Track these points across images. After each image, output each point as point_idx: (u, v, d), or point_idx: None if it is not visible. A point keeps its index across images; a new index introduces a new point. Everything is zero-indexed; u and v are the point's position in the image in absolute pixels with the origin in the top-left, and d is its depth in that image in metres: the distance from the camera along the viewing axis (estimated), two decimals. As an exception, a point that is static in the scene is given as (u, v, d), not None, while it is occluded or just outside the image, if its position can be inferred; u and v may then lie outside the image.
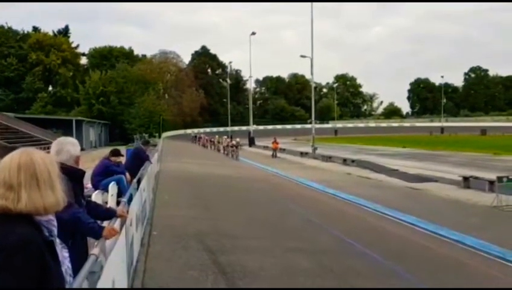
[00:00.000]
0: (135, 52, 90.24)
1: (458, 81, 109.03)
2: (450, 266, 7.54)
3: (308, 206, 12.81)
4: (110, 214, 4.19)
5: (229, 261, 6.83)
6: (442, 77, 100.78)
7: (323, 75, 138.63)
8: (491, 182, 14.15)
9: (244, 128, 72.99)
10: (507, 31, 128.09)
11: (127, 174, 8.97)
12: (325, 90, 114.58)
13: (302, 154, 33.52)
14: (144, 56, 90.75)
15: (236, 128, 79.43)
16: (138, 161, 11.24)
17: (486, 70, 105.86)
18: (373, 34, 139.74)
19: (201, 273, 6.19)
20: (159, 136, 62.22)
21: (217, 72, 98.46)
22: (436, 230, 9.25)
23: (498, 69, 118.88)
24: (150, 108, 73.49)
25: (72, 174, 3.57)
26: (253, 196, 14.74)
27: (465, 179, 16.16)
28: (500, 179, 13.70)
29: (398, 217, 10.82)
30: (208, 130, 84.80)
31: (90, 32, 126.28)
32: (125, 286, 4.67)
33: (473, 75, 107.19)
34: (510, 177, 14.09)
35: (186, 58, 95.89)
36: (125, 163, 10.67)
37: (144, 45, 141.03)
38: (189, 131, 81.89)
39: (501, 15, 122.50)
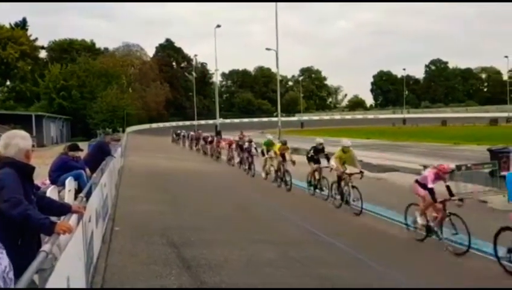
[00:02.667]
0: (97, 45, 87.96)
1: (419, 73, 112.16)
2: (411, 249, 7.71)
3: (275, 199, 12.84)
4: (64, 210, 4.03)
5: (193, 254, 6.76)
6: (404, 69, 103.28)
7: (289, 69, 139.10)
8: (451, 171, 14.56)
9: (210, 122, 72.62)
10: (466, 23, 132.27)
11: (87, 169, 8.72)
12: (290, 83, 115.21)
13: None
14: (107, 49, 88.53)
15: (202, 122, 78.90)
16: (100, 155, 10.95)
17: (446, 63, 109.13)
18: (337, 27, 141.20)
19: (164, 268, 6.09)
20: (123, 131, 61.02)
21: (182, 65, 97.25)
22: (397, 218, 9.43)
23: (457, 61, 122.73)
24: (113, 102, 71.84)
25: (21, 169, 3.40)
26: (219, 190, 14.65)
27: (426, 168, 16.58)
28: (459, 167, 14.13)
29: (361, 207, 10.98)
30: (173, 124, 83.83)
31: (49, 25, 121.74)
32: (83, 283, 4.52)
33: (433, 68, 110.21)
34: (468, 165, 14.58)
35: (150, 52, 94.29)
36: (87, 157, 10.38)
37: (106, 38, 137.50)
38: (154, 125, 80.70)
39: (460, 9, 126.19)
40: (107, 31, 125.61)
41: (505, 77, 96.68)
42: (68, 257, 3.66)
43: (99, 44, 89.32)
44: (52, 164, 8.49)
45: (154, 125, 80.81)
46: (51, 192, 5.34)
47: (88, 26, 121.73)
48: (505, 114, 75.13)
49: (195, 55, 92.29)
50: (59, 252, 3.56)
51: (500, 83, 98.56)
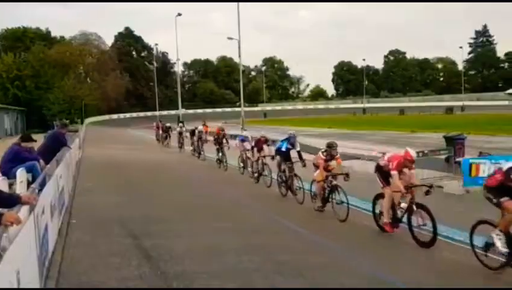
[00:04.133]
0: (53, 34, 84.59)
1: (379, 63, 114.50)
2: (371, 236, 7.85)
3: (239, 188, 12.79)
4: (13, 201, 3.84)
5: (154, 245, 6.63)
6: (363, 60, 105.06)
7: (251, 58, 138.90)
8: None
9: (173, 112, 71.45)
10: (423, 14, 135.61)
11: (41, 160, 8.36)
12: (253, 73, 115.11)
13: (232, 136, 33.45)
14: (63, 38, 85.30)
15: (165, 112, 77.63)
16: (56, 145, 10.54)
17: (404, 53, 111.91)
18: (300, 18, 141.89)
19: (123, 259, 5.95)
20: (82, 122, 59.27)
21: (143, 54, 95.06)
22: (360, 205, 9.57)
23: (415, 52, 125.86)
24: (70, 93, 69.50)
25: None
26: (182, 180, 14.48)
27: (385, 154, 16.99)
28: (416, 153, 14.54)
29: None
30: (134, 114, 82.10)
31: (1, 12, 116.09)
32: (36, 277, 4.34)
33: (392, 58, 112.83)
34: (425, 152, 15.03)
35: (109, 40, 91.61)
36: (41, 148, 9.95)
37: (62, 26, 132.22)
38: (114, 116, 78.77)
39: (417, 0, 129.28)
40: (63, 19, 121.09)
41: (460, 67, 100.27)
42: (18, 250, 3.49)
43: (55, 32, 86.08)
44: (3, 155, 8.09)
45: (114, 116, 78.88)
46: (0, 184, 5.09)
47: (43, 13, 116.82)
48: (460, 103, 78.00)
49: (156, 45, 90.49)
50: (8, 243, 3.38)
51: (455, 73, 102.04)
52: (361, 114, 79.57)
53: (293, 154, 11.31)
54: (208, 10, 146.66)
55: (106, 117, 76.37)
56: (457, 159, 12.60)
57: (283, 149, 11.23)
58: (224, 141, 16.84)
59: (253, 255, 6.40)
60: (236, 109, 67.03)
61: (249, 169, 14.60)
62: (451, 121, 44.34)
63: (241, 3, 38.92)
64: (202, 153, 20.17)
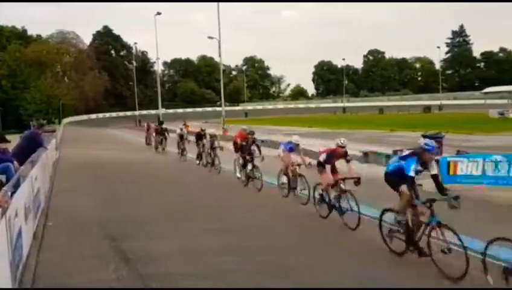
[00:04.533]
0: (29, 32, 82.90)
1: (358, 63, 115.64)
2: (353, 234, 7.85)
3: (220, 188, 12.69)
4: (-17, 204, 3.69)
5: (132, 247, 6.51)
6: (343, 59, 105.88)
7: (232, 58, 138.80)
8: (388, 156, 15.09)
9: (153, 112, 70.84)
10: (401, 14, 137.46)
11: (15, 162, 8.12)
12: (234, 72, 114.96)
13: (212, 136, 33.26)
14: (39, 36, 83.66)
15: (144, 112, 76.93)
16: (31, 146, 10.28)
17: (383, 53, 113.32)
18: (281, 18, 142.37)
19: (101, 262, 5.83)
20: (59, 122, 58.26)
21: (122, 53, 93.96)
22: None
23: (393, 51, 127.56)
24: (47, 92, 68.28)
25: None
26: (163, 181, 14.30)
27: (365, 154, 17.12)
28: (395, 152, 14.70)
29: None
30: (113, 114, 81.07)
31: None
32: (8, 281, 4.19)
33: (371, 58, 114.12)
34: (404, 150, 15.19)
35: (87, 39, 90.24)
36: (16, 149, 9.69)
37: (39, 24, 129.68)
38: (93, 116, 77.66)
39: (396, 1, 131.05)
40: (39, 17, 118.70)
41: (437, 66, 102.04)
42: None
43: (31, 31, 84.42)
44: (-25, 156, 7.83)
45: (93, 116, 77.78)
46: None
47: (19, 12, 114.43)
48: (437, 102, 79.36)
49: (135, 43, 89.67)
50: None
51: (432, 73, 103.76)
52: (342, 113, 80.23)
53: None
54: (188, 10, 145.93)
55: (85, 117, 75.26)
56: (436, 158, 12.74)
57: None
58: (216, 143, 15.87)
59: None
60: (217, 109, 66.87)
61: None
62: (429, 120, 45.05)
63: (221, 3, 38.72)
64: (185, 153, 19.35)
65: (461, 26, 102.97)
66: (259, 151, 12.48)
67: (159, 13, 59.90)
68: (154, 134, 25.01)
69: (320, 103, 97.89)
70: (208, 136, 16.52)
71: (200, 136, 17.37)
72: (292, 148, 10.95)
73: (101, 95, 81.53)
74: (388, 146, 18.84)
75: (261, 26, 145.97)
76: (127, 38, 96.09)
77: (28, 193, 6.92)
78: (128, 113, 78.54)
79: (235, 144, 13.49)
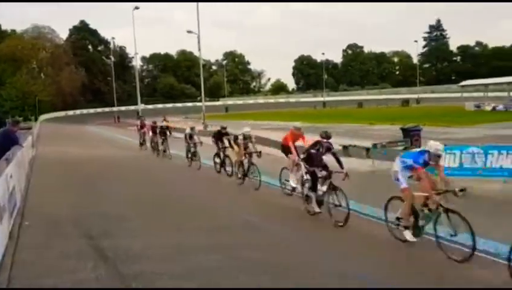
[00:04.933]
0: (3, 27, 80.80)
1: (337, 57, 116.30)
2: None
3: (202, 185, 12.59)
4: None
5: (111, 245, 6.40)
6: (323, 54, 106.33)
7: (212, 52, 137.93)
8: (367, 149, 15.23)
9: (132, 107, 70.07)
10: (379, 8, 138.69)
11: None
12: (214, 67, 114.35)
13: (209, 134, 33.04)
14: (14, 31, 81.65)
15: (123, 108, 75.98)
16: (6, 143, 10.06)
17: (362, 47, 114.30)
18: (260, 12, 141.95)
19: (79, 261, 5.71)
20: (36, 119, 57.10)
21: (99, 48, 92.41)
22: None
23: (372, 46, 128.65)
24: (23, 89, 66.82)
25: None
26: (142, 177, 14.13)
27: (345, 147, 17.26)
28: (374, 145, 14.86)
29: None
30: (91, 110, 79.85)
31: None
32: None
33: (350, 52, 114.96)
34: (383, 143, 15.37)
35: (63, 34, 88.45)
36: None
37: (13, 19, 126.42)
38: (70, 112, 76.37)
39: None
40: (13, 12, 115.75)
41: (415, 60, 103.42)
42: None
43: (5, 26, 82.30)
44: None
45: (70, 112, 76.49)
46: None
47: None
48: (415, 95, 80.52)
49: (113, 38, 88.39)
50: None
51: (410, 66, 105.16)
52: (322, 107, 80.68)
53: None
54: (167, 4, 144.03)
55: (62, 113, 73.95)
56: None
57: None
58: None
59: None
60: (198, 104, 66.50)
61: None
62: (407, 113, 45.65)
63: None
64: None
65: (438, 21, 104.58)
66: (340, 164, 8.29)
67: (137, 8, 59.19)
68: (150, 133, 20.60)
69: (301, 98, 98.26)
70: (239, 138, 11.91)
71: (221, 135, 13.73)
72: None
73: (78, 90, 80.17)
74: (368, 139, 19.04)
75: (241, 21, 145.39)
76: (105, 33, 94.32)
77: (3, 191, 6.73)
78: (107, 109, 77.43)
79: (285, 148, 10.13)
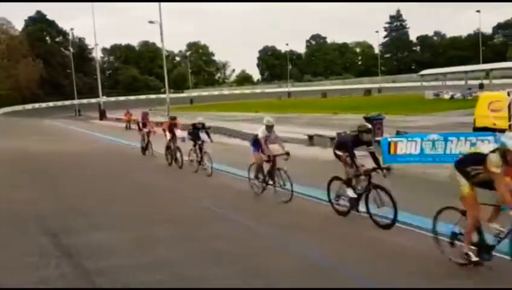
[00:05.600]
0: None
1: (301, 48, 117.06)
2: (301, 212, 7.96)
3: (169, 178, 12.43)
4: None
5: (75, 242, 6.25)
6: (287, 44, 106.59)
7: (175, 44, 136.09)
8: (332, 138, 15.45)
9: (93, 100, 68.20)
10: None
11: None
12: (178, 58, 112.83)
13: (158, 124, 32.61)
14: (-35, 23, 77.82)
15: (84, 101, 73.94)
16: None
17: (325, 38, 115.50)
18: (224, 3, 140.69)
19: (41, 259, 5.55)
20: (-9, 114, 54.80)
21: (57, 40, 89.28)
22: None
23: (334, 36, 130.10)
24: (-23, 82, 63.87)
25: None
26: (107, 172, 13.81)
27: (310, 137, 17.46)
28: (339, 134, 15.08)
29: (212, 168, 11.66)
30: (51, 104, 77.29)
31: None
32: None
33: (313, 43, 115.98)
34: (347, 132, 15.61)
35: (19, 25, 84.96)
36: None
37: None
38: (28, 106, 73.69)
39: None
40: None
41: (376, 51, 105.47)
42: None
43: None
44: None
45: (28, 106, 73.78)
46: None
47: None
48: (377, 85, 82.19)
49: (72, 29, 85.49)
50: None
51: (372, 56, 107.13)
52: (287, 98, 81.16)
53: None
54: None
55: (19, 107, 71.26)
56: (376, 139, 13.17)
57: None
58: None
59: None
60: (162, 96, 65.53)
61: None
62: (370, 102, 46.54)
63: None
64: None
65: (398, 11, 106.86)
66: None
67: (96, -3, 57.40)
68: (168, 135, 13.96)
69: (266, 88, 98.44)
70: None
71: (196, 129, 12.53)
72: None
73: (37, 83, 77.29)
74: (332, 128, 19.30)
75: (204, 12, 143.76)
76: (63, 24, 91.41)
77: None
78: (67, 102, 75.18)
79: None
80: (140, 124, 17.06)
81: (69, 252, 5.82)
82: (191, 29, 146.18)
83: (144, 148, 16.53)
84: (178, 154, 13.49)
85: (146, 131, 16.54)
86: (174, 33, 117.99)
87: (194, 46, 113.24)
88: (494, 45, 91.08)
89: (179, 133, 13.83)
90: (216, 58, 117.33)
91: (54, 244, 6.16)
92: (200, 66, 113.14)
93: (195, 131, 12.56)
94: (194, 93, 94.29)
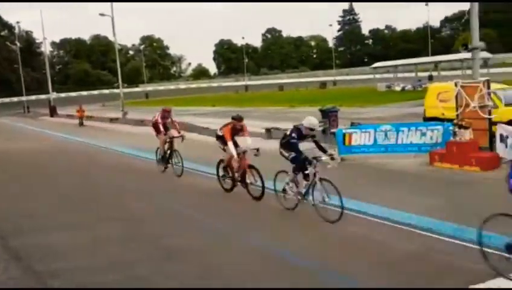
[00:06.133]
0: None
1: (257, 41, 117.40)
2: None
3: (124, 175, 12.10)
4: None
5: (25, 244, 5.98)
6: (243, 38, 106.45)
7: (129, 37, 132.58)
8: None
9: (43, 96, 65.55)
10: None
11: None
12: (131, 52, 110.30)
13: (112, 120, 31.77)
14: None
15: (33, 97, 70.90)
16: None
17: (280, 32, 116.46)
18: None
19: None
20: None
21: (2, 34, 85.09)
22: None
23: (290, 30, 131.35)
24: None
25: None
26: (60, 170, 13.29)
27: (268, 130, 17.52)
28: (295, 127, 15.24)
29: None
30: (-2, 100, 73.73)
31: None
32: None
33: (269, 36, 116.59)
34: (303, 124, 15.82)
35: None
36: None
37: None
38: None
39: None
40: None
41: (331, 44, 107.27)
42: None
43: None
44: None
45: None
46: None
47: None
48: (332, 78, 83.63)
49: (18, 23, 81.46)
50: None
51: (326, 50, 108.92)
52: (244, 91, 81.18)
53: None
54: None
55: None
56: (332, 130, 13.42)
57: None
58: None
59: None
60: (115, 91, 63.81)
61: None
62: (325, 95, 47.27)
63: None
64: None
65: (350, 5, 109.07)
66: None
67: (43, -12, 54.94)
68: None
69: (223, 82, 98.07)
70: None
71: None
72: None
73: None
74: (288, 121, 19.46)
75: (158, 4, 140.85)
76: (8, 17, 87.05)
77: None
78: (15, 99, 71.84)
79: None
80: (160, 124, 11.41)
81: (18, 255, 5.57)
82: (144, 22, 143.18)
83: (166, 160, 11.51)
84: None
85: (171, 136, 11.49)
86: (126, 27, 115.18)
87: (148, 40, 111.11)
88: (442, 38, 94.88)
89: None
90: (171, 51, 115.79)
91: (2, 247, 5.88)
92: (154, 60, 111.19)
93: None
94: (149, 87, 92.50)
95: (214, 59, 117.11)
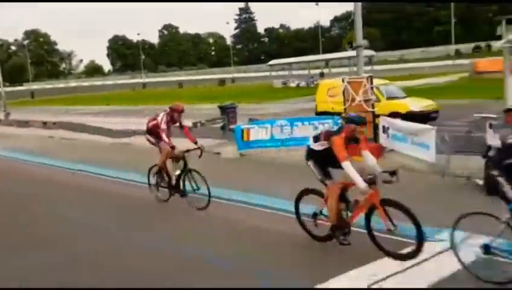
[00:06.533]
0: None
1: (154, 38, 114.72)
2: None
3: (11, 181, 11.09)
4: None
5: None
6: (138, 34, 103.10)
7: (10, 31, 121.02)
8: (189, 128, 15.49)
9: None
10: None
11: None
12: (13, 47, 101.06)
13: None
14: None
15: None
16: None
17: (177, 28, 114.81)
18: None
19: None
20: None
21: None
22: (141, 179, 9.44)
23: (187, 26, 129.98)
24: None
25: None
26: None
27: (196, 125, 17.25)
28: (195, 124, 15.23)
29: (115, 176, 10.49)
30: None
31: None
32: None
33: (166, 32, 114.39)
34: (202, 121, 15.85)
35: None
36: None
37: None
38: None
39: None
40: None
41: (228, 42, 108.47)
42: None
43: None
44: None
45: None
46: None
47: None
48: (230, 75, 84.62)
49: None
50: None
51: (224, 47, 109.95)
52: (141, 89, 78.72)
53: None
54: None
55: None
56: (231, 127, 13.64)
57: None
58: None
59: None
60: (-4, 90, 57.95)
61: None
62: (224, 92, 47.69)
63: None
64: None
65: (246, 4, 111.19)
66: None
67: None
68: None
69: (118, 80, 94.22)
70: None
71: None
72: None
73: None
74: (189, 118, 19.32)
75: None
76: None
77: None
78: None
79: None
80: (163, 132, 7.75)
81: None
82: (28, 16, 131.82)
83: (174, 185, 7.84)
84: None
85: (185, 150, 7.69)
86: (7, 20, 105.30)
87: (32, 35, 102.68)
88: (332, 37, 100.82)
89: None
90: (59, 47, 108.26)
91: None
92: (41, 56, 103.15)
93: None
94: (35, 86, 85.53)
95: (108, 55, 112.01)
